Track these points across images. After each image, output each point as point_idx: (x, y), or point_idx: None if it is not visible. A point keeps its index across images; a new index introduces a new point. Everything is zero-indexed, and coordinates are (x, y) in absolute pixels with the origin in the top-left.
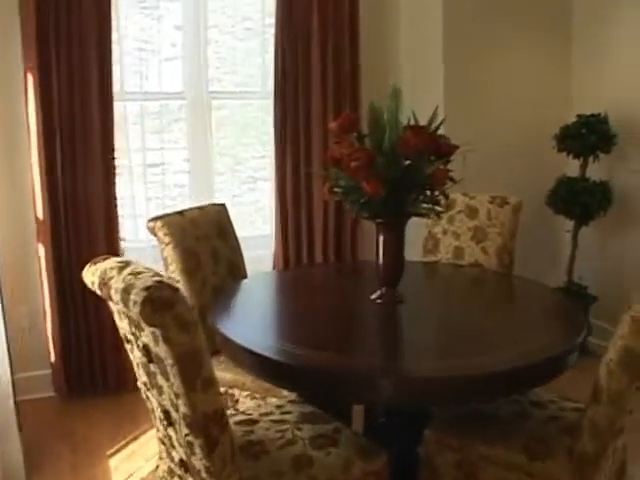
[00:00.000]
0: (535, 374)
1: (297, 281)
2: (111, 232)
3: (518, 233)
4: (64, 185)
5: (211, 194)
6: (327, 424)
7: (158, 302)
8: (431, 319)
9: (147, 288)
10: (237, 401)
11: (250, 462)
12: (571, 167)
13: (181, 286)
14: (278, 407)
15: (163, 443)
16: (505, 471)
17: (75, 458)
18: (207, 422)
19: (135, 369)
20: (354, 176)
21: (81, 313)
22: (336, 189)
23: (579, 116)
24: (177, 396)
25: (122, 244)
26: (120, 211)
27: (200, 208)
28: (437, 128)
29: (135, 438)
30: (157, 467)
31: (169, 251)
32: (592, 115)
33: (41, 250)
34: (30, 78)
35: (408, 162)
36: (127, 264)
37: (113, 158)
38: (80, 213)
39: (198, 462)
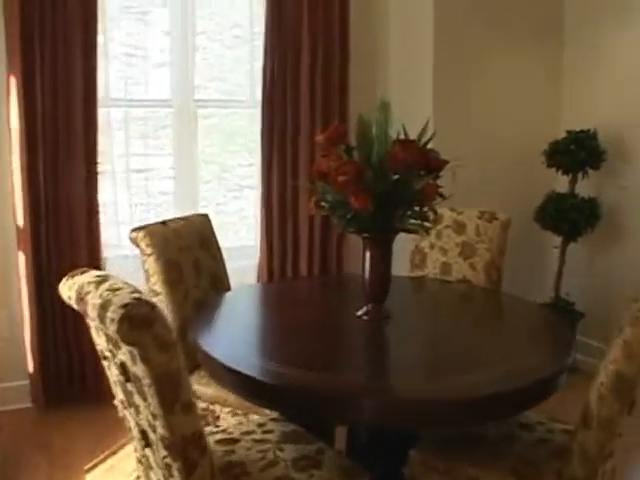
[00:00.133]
0: (526, 397)
1: (281, 295)
2: (93, 239)
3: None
4: (46, 191)
5: (196, 202)
6: (310, 444)
7: (136, 320)
8: (418, 337)
9: (125, 305)
10: (218, 417)
11: None
12: (560, 183)
13: (162, 298)
14: (260, 425)
15: (141, 463)
16: None
17: (52, 471)
18: (186, 445)
19: (112, 386)
20: (342, 190)
21: (60, 322)
22: (323, 203)
23: (568, 132)
24: (155, 417)
25: (104, 251)
26: (103, 218)
27: (184, 218)
28: (427, 142)
29: (114, 452)
30: None
31: (151, 263)
32: (581, 131)
33: (21, 258)
34: (13, 80)
35: (397, 177)
36: (105, 279)
37: (96, 164)
38: (62, 220)
39: None
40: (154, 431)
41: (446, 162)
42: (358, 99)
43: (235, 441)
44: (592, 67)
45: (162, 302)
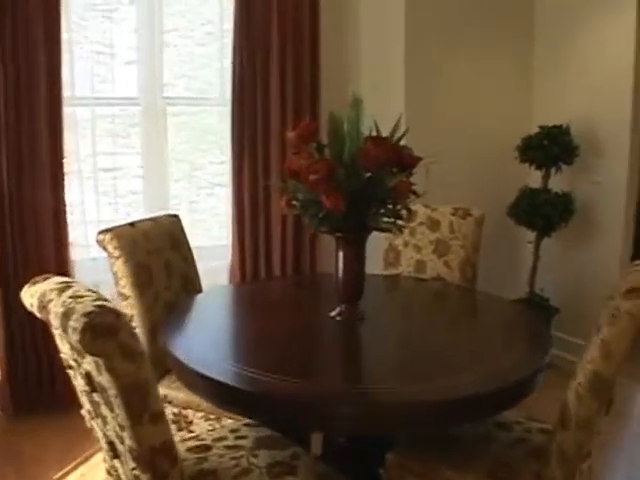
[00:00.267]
0: (505, 397)
1: (254, 296)
2: (61, 240)
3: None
4: (10, 192)
5: (166, 201)
6: (284, 450)
7: (99, 329)
8: (393, 338)
9: (88, 314)
10: (191, 422)
11: None
12: (533, 178)
13: (132, 302)
14: (233, 431)
15: (110, 474)
16: None
17: None
18: (155, 456)
19: (79, 396)
20: (313, 189)
21: (28, 327)
22: (294, 203)
23: (541, 127)
24: (122, 428)
25: (72, 253)
26: (70, 218)
27: (153, 219)
28: (399, 139)
29: (85, 460)
30: None
31: (119, 265)
32: (554, 126)
33: None
34: None
35: (369, 174)
36: (68, 285)
37: (62, 164)
38: (27, 221)
39: None
40: (122, 442)
41: (419, 159)
42: (330, 96)
43: (207, 448)
44: (563, 63)
45: (132, 306)
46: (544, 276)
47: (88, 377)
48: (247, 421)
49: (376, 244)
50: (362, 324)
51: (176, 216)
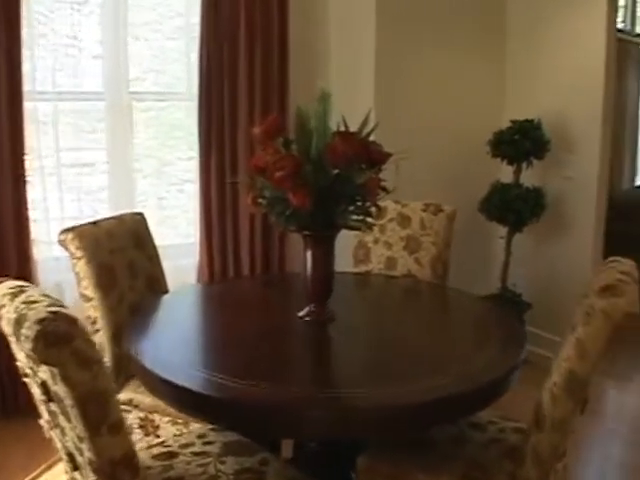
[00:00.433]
0: (479, 398)
1: (222, 297)
2: (22, 239)
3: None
4: None
5: (133, 197)
6: (253, 456)
7: (53, 337)
8: (363, 339)
9: (41, 321)
10: (158, 427)
11: None
12: (505, 173)
13: (95, 303)
14: (200, 436)
15: None
16: None
17: None
18: (116, 467)
19: (38, 405)
20: (279, 186)
21: None
22: (261, 200)
23: (513, 122)
24: (81, 439)
25: (35, 251)
26: (33, 216)
27: (116, 218)
28: (368, 134)
29: (49, 467)
30: None
31: (82, 266)
32: (526, 120)
33: None
34: None
35: (337, 171)
36: (21, 290)
37: (24, 160)
38: None
39: None
40: (81, 454)
41: (389, 155)
42: (298, 91)
43: (174, 455)
44: (535, 57)
45: (95, 307)
46: (516, 271)
47: (44, 386)
48: (215, 425)
49: (346, 241)
50: (331, 324)
51: (141, 214)
